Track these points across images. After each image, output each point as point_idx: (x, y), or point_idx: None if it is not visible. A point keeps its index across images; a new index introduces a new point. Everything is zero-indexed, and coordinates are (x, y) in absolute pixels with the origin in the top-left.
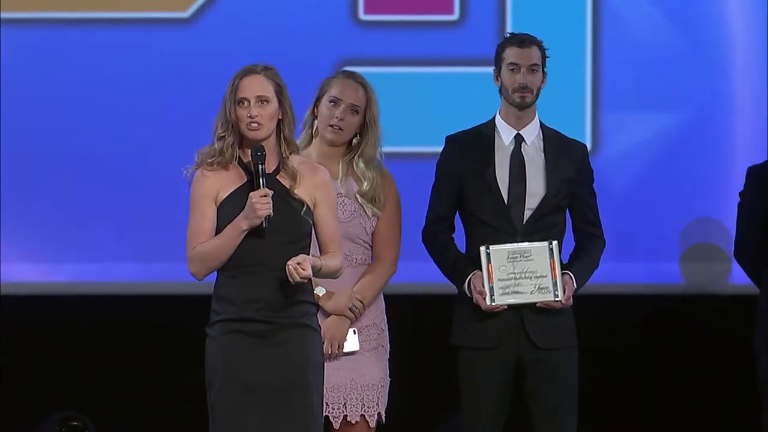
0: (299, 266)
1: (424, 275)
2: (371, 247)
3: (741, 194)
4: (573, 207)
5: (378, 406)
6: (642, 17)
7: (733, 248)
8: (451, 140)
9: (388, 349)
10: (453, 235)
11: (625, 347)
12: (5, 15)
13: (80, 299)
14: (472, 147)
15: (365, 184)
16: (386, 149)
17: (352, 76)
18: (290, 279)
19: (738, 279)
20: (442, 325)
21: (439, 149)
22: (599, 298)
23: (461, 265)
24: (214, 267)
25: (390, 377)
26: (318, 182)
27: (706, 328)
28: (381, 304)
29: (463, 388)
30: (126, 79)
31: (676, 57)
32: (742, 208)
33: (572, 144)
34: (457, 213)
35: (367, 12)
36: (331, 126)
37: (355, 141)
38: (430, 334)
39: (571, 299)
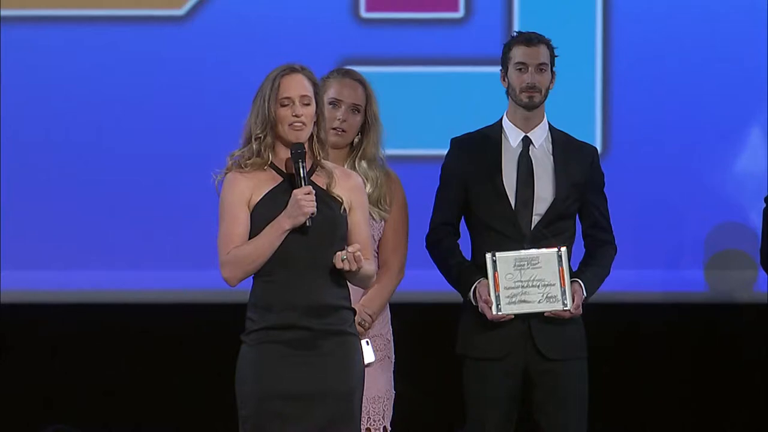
0: (357, 254)
1: (429, 283)
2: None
3: (766, 199)
4: (583, 212)
5: (384, 419)
6: (654, 13)
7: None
8: (456, 143)
9: (394, 360)
10: (458, 241)
11: (645, 358)
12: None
13: (76, 307)
14: (478, 150)
15: (368, 185)
16: (389, 152)
17: (349, 74)
18: (347, 266)
19: (765, 287)
20: (448, 335)
21: (444, 152)
22: (618, 306)
23: (466, 272)
24: (251, 271)
25: (394, 389)
26: (352, 186)
27: (731, 337)
28: (386, 313)
29: (469, 400)
30: (120, 78)
31: (692, 54)
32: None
33: (582, 146)
34: (463, 218)
35: (368, 10)
36: (334, 129)
37: (356, 140)
38: (435, 343)
39: (581, 308)
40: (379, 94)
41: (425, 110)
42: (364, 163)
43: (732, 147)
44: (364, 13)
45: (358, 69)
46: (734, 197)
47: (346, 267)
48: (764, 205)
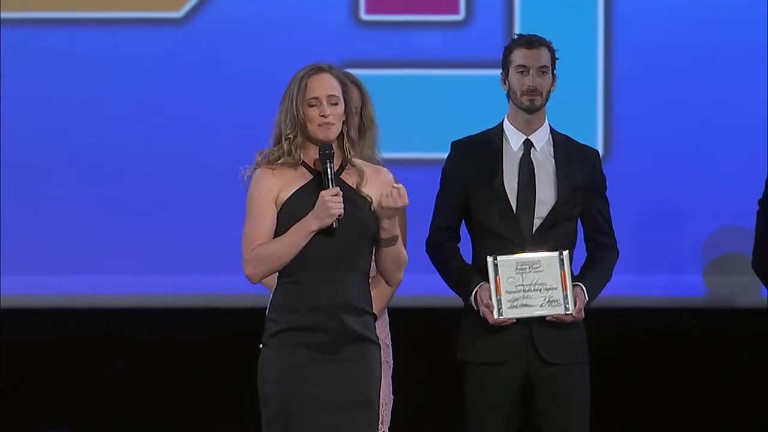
0: (402, 189)
1: (429, 287)
2: None
3: (760, 202)
4: (585, 216)
5: (382, 424)
6: (656, 15)
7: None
8: (456, 146)
9: (392, 365)
10: (458, 245)
11: (646, 363)
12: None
13: (77, 312)
14: (478, 153)
15: None
16: (388, 155)
17: (345, 77)
18: (393, 202)
19: (767, 292)
20: (447, 339)
21: (444, 155)
22: (618, 311)
23: (467, 276)
24: (274, 269)
25: (393, 394)
26: (382, 182)
27: (733, 342)
28: (385, 318)
29: (470, 405)
30: (118, 81)
31: (694, 57)
32: (761, 216)
33: (584, 150)
34: (463, 222)
35: (368, 12)
36: None
37: None
38: (435, 349)
39: (583, 312)
40: (379, 96)
41: (425, 113)
42: None
43: (734, 150)
44: (363, 15)
45: (358, 71)
46: (736, 201)
47: (391, 204)
48: (758, 208)
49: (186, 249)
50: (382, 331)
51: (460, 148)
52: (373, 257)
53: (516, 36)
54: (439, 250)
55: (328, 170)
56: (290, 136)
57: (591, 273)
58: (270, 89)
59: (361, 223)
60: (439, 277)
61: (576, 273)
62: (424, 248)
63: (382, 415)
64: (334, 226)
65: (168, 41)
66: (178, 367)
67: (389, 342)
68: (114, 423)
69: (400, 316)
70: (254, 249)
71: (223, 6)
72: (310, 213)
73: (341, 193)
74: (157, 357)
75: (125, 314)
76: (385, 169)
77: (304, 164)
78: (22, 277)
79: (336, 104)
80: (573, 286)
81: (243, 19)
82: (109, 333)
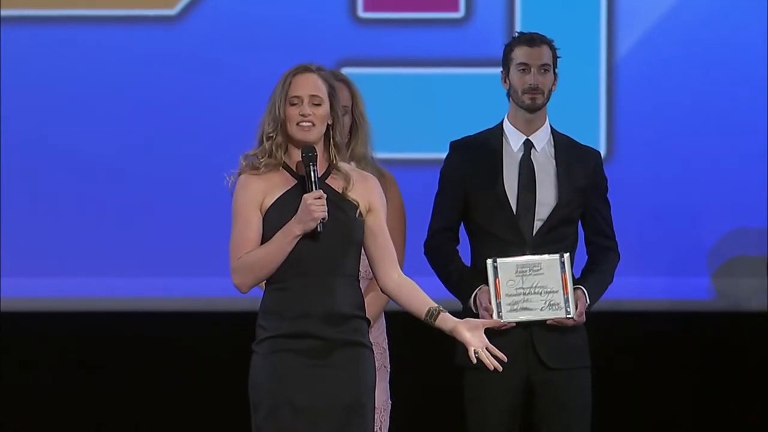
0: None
1: (428, 290)
2: None
3: None
4: (586, 218)
5: (381, 430)
6: (659, 14)
7: None
8: (455, 146)
9: (390, 370)
10: (457, 247)
11: (649, 367)
12: None
13: (77, 315)
14: (478, 153)
15: None
16: (386, 155)
17: (333, 75)
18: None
19: None
20: (447, 344)
21: (443, 156)
22: (620, 314)
23: (466, 279)
24: (262, 277)
25: (391, 399)
26: (369, 189)
27: (739, 346)
28: (382, 321)
29: (469, 411)
30: (111, 78)
31: (697, 58)
32: None
33: (585, 151)
34: (462, 224)
35: (366, 9)
36: None
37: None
38: (433, 353)
39: (584, 316)
40: (377, 95)
41: (424, 112)
42: (353, 164)
43: (738, 151)
44: (361, 13)
45: (355, 70)
46: (741, 202)
47: (486, 362)
48: None
49: (186, 250)
50: (380, 335)
51: (458, 148)
52: (371, 262)
53: (517, 34)
54: (438, 252)
55: (311, 173)
56: (271, 135)
57: (592, 276)
58: (266, 88)
59: (347, 227)
60: (438, 279)
61: (576, 276)
62: (423, 251)
63: (381, 420)
64: (319, 229)
65: (162, 39)
66: (175, 370)
67: (386, 346)
68: (111, 425)
69: (398, 320)
70: (241, 257)
71: (217, 3)
72: (293, 218)
73: (324, 196)
74: (154, 359)
75: (122, 317)
76: (372, 176)
77: (288, 168)
78: (21, 280)
79: (319, 105)
80: (574, 289)
81: (238, 16)
82: (105, 335)
